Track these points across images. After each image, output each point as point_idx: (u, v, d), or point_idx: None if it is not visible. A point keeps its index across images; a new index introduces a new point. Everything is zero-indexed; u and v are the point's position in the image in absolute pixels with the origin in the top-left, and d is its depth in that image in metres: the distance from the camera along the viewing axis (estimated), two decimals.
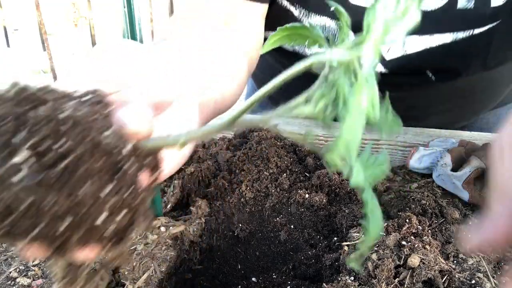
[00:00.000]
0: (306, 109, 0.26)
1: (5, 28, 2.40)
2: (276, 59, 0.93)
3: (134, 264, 0.50)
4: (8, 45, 3.80)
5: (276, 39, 0.31)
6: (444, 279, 0.48)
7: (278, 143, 0.72)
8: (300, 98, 0.27)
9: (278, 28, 0.30)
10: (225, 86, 0.58)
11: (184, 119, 0.42)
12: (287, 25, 0.29)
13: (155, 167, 0.32)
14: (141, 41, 0.50)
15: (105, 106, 0.29)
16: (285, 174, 0.68)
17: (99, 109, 0.28)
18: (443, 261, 0.50)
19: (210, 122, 0.45)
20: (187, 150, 0.43)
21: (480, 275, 0.51)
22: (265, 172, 0.67)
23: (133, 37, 0.48)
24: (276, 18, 0.76)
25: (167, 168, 0.38)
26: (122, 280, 0.49)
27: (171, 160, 0.38)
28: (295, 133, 0.29)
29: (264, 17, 0.73)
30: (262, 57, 0.77)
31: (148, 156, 0.30)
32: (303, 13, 0.76)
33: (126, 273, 0.49)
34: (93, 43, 2.46)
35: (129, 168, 0.28)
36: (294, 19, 0.77)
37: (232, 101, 0.62)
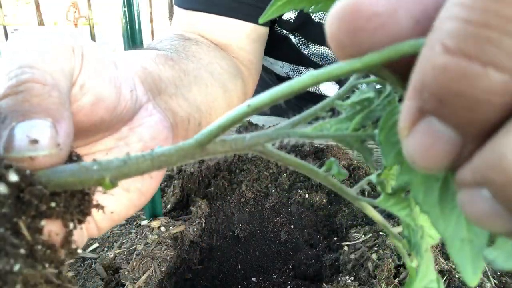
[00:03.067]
0: (333, 126, 0.20)
1: (5, 28, 2.40)
2: (272, 81, 0.93)
3: (134, 264, 0.50)
4: None
5: (281, 2, 0.21)
6: (444, 279, 0.48)
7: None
8: (316, 108, 0.20)
9: None
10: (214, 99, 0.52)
11: (148, 135, 0.34)
12: None
13: (75, 211, 0.22)
14: (141, 41, 0.50)
15: None
16: (285, 174, 0.68)
17: None
18: (443, 261, 0.50)
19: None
20: (134, 195, 0.32)
21: (480, 275, 0.51)
22: (265, 172, 0.67)
23: (133, 37, 0.48)
24: (274, 44, 0.76)
25: (104, 221, 0.30)
26: (122, 280, 0.49)
27: (119, 205, 0.31)
28: (290, 158, 0.22)
29: (264, 40, 0.71)
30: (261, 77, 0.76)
31: (56, 195, 0.20)
32: (302, 42, 0.76)
33: (126, 273, 0.49)
34: None
35: (12, 216, 0.18)
36: (292, 46, 0.77)
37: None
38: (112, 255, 0.52)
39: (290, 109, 0.99)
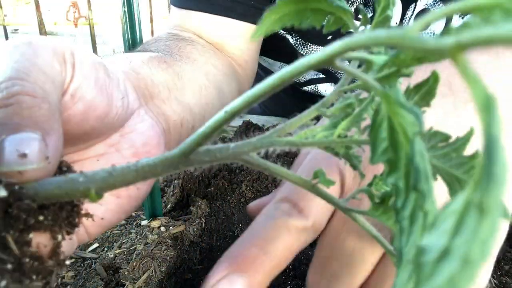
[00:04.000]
0: (318, 133, 0.20)
1: (5, 28, 2.40)
2: (264, 73, 0.93)
3: (134, 264, 0.50)
4: None
5: (276, 18, 0.20)
6: None
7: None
8: (306, 114, 0.20)
9: (278, 1, 0.19)
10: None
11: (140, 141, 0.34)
12: None
13: (63, 223, 0.22)
14: (141, 41, 0.50)
15: None
16: None
17: None
18: None
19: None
20: (124, 201, 0.32)
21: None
22: (265, 172, 0.67)
23: (133, 37, 0.48)
24: (272, 44, 0.76)
25: (94, 228, 0.30)
26: (122, 280, 0.49)
27: (108, 212, 0.31)
28: (275, 168, 0.22)
29: (260, 39, 0.71)
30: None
31: (44, 208, 0.20)
32: (299, 42, 0.76)
33: (126, 273, 0.49)
34: (93, 43, 2.46)
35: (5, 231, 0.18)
36: (290, 47, 0.77)
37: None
38: (112, 255, 0.52)
39: (293, 110, 0.99)
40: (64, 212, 0.22)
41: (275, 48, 0.80)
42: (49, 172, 0.21)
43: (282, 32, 0.76)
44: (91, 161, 0.32)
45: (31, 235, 0.20)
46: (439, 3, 0.69)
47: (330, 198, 0.23)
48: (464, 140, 0.19)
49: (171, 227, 0.57)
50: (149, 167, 0.20)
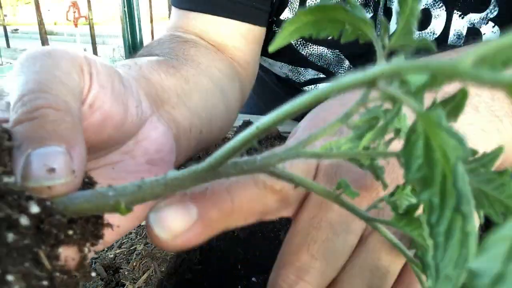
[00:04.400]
0: (343, 145, 0.20)
1: (5, 28, 2.40)
2: (272, 81, 0.93)
3: (134, 264, 0.50)
4: (8, 45, 3.80)
5: (293, 28, 0.20)
6: None
7: (278, 143, 0.72)
8: (329, 126, 0.20)
9: (298, 12, 0.19)
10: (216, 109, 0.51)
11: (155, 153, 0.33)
12: (312, 6, 0.19)
13: (90, 236, 0.22)
14: (141, 41, 0.50)
15: None
16: None
17: None
18: None
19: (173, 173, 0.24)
20: (139, 208, 0.32)
21: None
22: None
23: (133, 37, 0.48)
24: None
25: (110, 236, 0.28)
26: (122, 280, 0.49)
27: (124, 220, 0.29)
28: (301, 179, 0.22)
29: (261, 40, 0.71)
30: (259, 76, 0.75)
31: (72, 223, 0.21)
32: (300, 42, 0.76)
33: (126, 273, 0.49)
34: (93, 43, 2.46)
35: (34, 247, 0.18)
36: (290, 47, 0.77)
37: (221, 128, 0.54)
38: (112, 255, 0.52)
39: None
40: (90, 224, 0.22)
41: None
42: (76, 185, 0.21)
43: None
44: (106, 169, 0.32)
45: (60, 249, 0.20)
46: (439, 3, 0.69)
47: (352, 208, 0.23)
48: (493, 156, 0.19)
49: None
50: (178, 180, 0.20)
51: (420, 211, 0.21)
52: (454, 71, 0.12)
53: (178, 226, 0.24)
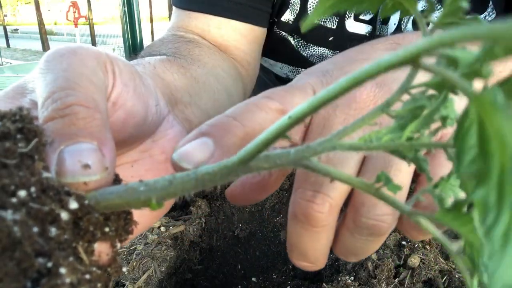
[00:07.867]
0: (384, 135, 0.18)
1: (5, 28, 2.40)
2: (271, 81, 0.93)
3: (134, 264, 0.50)
4: (8, 45, 3.79)
5: (330, 3, 0.19)
6: (444, 279, 0.48)
7: None
8: (368, 116, 0.18)
9: None
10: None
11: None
12: None
13: (122, 232, 0.22)
14: (141, 41, 0.50)
15: (26, 138, 0.19)
16: None
17: (13, 147, 0.19)
18: (443, 261, 0.50)
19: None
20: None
21: None
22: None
23: (133, 37, 0.48)
24: (274, 45, 0.76)
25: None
26: (122, 280, 0.49)
27: (143, 217, 0.29)
28: (338, 173, 0.20)
29: (262, 41, 0.71)
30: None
31: (107, 219, 0.21)
32: (301, 43, 0.76)
33: (126, 273, 0.49)
34: (93, 43, 2.46)
35: (71, 242, 0.18)
36: (291, 48, 0.77)
37: None
38: None
39: None
40: (122, 220, 0.22)
41: (276, 49, 0.81)
42: (108, 182, 0.22)
43: (284, 33, 0.76)
44: (125, 167, 0.32)
45: (95, 245, 0.21)
46: (436, 5, 0.69)
47: (393, 201, 0.21)
48: None
49: (171, 227, 0.57)
50: (209, 175, 0.19)
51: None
52: (508, 33, 0.10)
53: (199, 157, 0.25)
